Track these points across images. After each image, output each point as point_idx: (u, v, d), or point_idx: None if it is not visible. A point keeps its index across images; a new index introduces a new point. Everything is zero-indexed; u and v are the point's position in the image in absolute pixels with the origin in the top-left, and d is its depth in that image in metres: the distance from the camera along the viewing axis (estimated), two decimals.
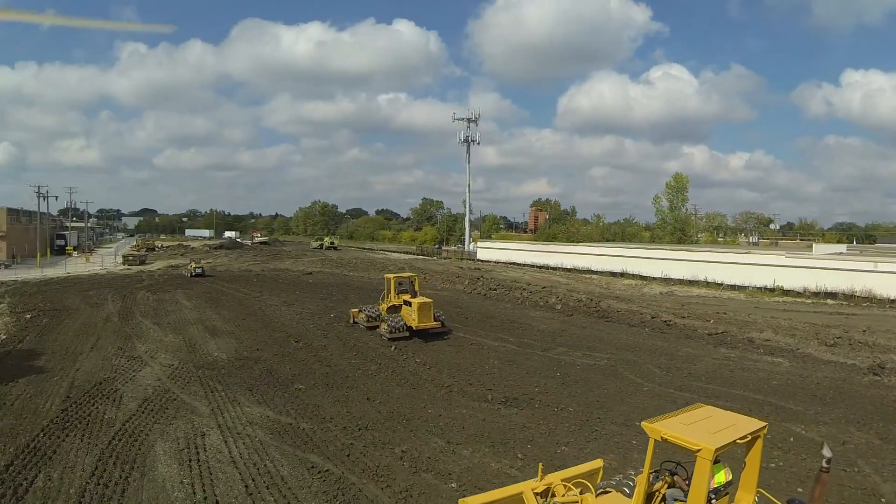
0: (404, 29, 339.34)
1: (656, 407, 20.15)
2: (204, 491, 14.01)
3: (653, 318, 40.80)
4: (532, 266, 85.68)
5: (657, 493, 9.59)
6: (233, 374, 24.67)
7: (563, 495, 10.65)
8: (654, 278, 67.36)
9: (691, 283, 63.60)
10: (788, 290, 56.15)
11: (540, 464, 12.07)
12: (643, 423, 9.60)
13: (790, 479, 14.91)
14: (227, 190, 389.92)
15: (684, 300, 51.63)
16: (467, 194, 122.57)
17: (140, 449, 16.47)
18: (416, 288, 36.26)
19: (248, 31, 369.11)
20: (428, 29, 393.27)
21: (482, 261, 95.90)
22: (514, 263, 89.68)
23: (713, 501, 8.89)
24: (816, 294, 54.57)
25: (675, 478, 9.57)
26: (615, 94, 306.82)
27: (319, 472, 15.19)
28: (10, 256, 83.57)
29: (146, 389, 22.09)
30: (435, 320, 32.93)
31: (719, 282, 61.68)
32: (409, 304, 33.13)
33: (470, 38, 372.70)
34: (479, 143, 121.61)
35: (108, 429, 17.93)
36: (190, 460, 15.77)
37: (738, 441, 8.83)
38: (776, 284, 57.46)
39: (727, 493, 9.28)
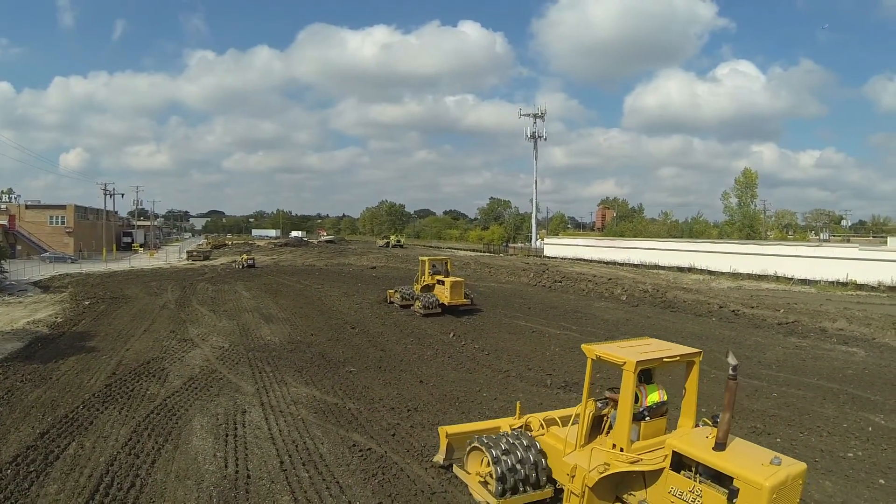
0: (470, 30, 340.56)
1: (720, 393, 18.97)
2: (237, 465, 13.21)
3: (720, 307, 39.68)
4: (599, 262, 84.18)
5: (605, 416, 10.64)
6: (283, 356, 23.98)
7: (536, 430, 11.77)
8: (723, 273, 65.62)
9: (760, 277, 61.74)
10: (862, 285, 53.69)
11: (518, 402, 13.70)
12: (582, 345, 10.76)
13: (870, 469, 13.88)
14: (294, 192, 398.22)
15: (753, 293, 49.63)
16: (534, 190, 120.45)
17: (177, 423, 15.81)
18: (449, 269, 38.77)
19: (314, 36, 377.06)
20: (493, 30, 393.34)
21: (549, 257, 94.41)
22: (580, 259, 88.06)
23: (647, 418, 10.01)
24: (892, 288, 51.82)
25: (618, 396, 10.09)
26: (682, 92, 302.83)
27: (361, 450, 14.30)
28: (77, 251, 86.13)
29: (193, 369, 21.55)
30: (465, 298, 35.42)
31: (789, 276, 59.57)
32: (442, 283, 35.79)
33: (535, 37, 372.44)
34: (546, 140, 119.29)
35: (149, 403, 17.35)
36: (227, 435, 15.03)
37: (664, 360, 9.84)
38: (849, 278, 55.21)
39: (663, 413, 10.34)
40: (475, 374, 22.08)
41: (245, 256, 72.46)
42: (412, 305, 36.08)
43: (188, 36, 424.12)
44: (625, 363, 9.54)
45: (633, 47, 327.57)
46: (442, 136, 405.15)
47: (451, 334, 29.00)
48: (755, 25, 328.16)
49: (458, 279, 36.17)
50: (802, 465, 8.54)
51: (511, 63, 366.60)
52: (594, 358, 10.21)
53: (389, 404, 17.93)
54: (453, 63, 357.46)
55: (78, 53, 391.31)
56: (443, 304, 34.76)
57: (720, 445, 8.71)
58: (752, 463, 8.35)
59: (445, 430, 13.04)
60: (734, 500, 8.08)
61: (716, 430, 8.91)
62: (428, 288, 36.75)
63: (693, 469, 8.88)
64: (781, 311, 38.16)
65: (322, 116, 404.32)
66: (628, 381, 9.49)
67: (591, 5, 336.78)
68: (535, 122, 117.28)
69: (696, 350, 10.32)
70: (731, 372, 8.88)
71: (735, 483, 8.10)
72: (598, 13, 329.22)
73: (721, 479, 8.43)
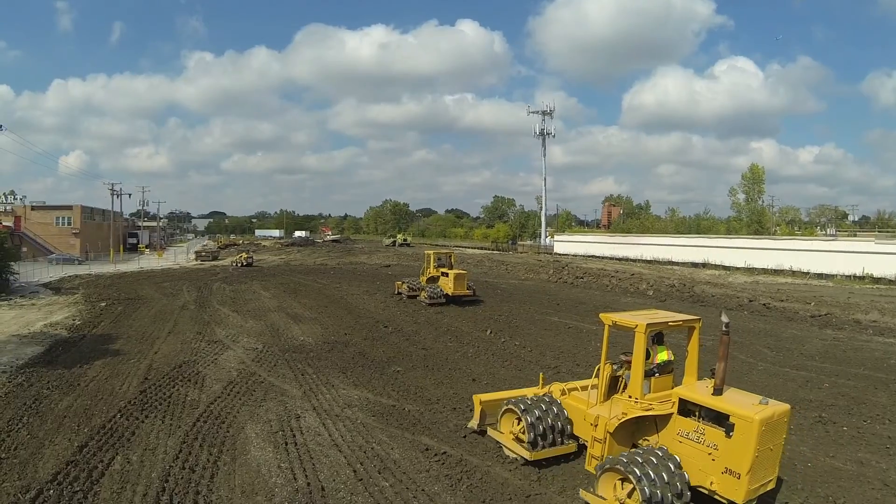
0: (468, 29, 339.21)
1: (776, 385, 19.11)
2: (306, 476, 11.79)
3: (750, 301, 39.80)
4: (611, 258, 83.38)
5: (620, 377, 11.97)
6: (322, 357, 22.62)
7: (558, 395, 13.03)
8: (737, 268, 65.04)
9: (776, 272, 61.14)
10: (879, 278, 53.14)
11: (541, 373, 14.85)
12: (601, 314, 12.19)
13: None
14: (294, 193, 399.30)
15: (779, 287, 48.81)
16: (543, 187, 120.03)
17: (228, 431, 14.35)
18: (453, 262, 40.19)
19: (311, 36, 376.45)
20: (490, 28, 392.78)
21: (559, 254, 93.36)
22: (592, 256, 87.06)
23: (657, 374, 11.47)
24: None
25: (631, 357, 11.42)
26: (680, 90, 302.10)
27: (436, 454, 13.09)
28: (83, 252, 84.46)
29: (230, 372, 20.06)
30: (467, 289, 37.15)
31: (805, 270, 59.09)
32: (446, 274, 37.45)
33: (533, 36, 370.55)
34: (554, 136, 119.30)
35: (192, 410, 15.86)
36: (286, 443, 13.62)
37: (670, 324, 11.46)
38: (865, 272, 54.56)
39: (670, 371, 11.82)
40: (525, 371, 20.99)
41: (244, 255, 72.18)
42: (418, 296, 37.64)
43: (186, 38, 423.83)
44: (637, 326, 11.00)
45: (630, 45, 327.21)
46: (441, 136, 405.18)
47: (489, 331, 28.08)
48: (753, 23, 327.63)
49: (461, 271, 38.18)
50: (786, 406, 9.96)
51: (509, 62, 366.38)
52: (610, 324, 11.66)
53: (449, 404, 16.76)
54: (451, 62, 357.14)
55: (76, 56, 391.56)
56: (447, 294, 36.47)
57: (718, 391, 10.16)
58: (744, 403, 9.83)
59: (479, 397, 14.36)
60: (731, 434, 9.50)
61: (713, 380, 10.30)
62: (433, 280, 38.52)
63: (696, 413, 10.27)
64: (812, 304, 38.21)
65: (320, 117, 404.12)
66: (640, 342, 10.92)
67: (588, 3, 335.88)
68: (543, 120, 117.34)
69: (696, 317, 11.91)
70: (724, 328, 10.12)
71: (731, 419, 9.53)
72: (594, 11, 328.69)
73: (719, 420, 9.80)
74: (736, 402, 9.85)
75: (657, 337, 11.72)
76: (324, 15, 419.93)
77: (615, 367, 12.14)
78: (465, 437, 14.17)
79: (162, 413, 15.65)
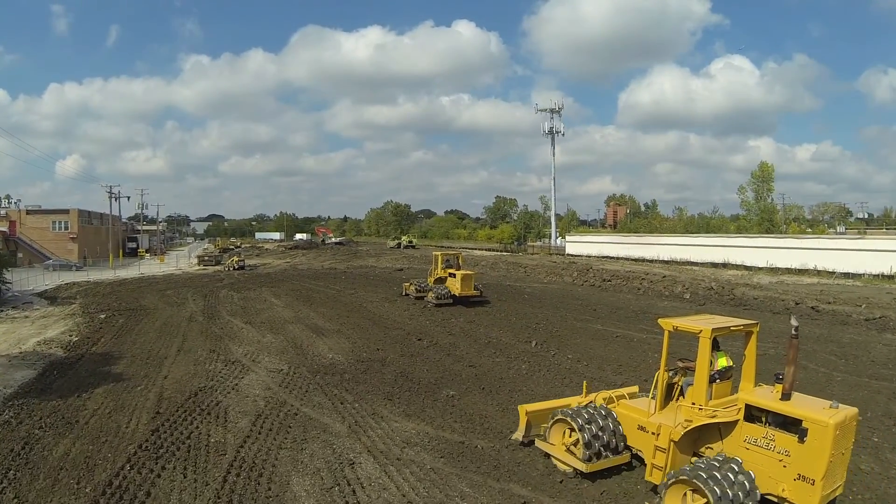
0: (463, 30, 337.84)
1: (864, 398, 17.18)
2: None
3: (797, 304, 37.40)
4: (627, 259, 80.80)
5: (675, 384, 11.81)
6: (359, 379, 19.66)
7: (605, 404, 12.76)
8: (760, 268, 62.30)
9: (800, 271, 58.34)
10: None
11: (584, 381, 14.53)
12: (660, 320, 11.78)
13: None
14: (292, 195, 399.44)
15: (820, 288, 46.05)
16: (552, 186, 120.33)
17: (271, 488, 11.33)
18: (461, 262, 40.57)
19: (307, 38, 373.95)
20: (486, 28, 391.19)
21: (572, 255, 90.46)
22: (606, 257, 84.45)
23: (717, 381, 11.23)
24: None
25: (689, 363, 11.47)
26: (677, 88, 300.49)
27: None
28: (81, 258, 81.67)
29: (256, 402, 17.02)
30: (475, 290, 37.35)
31: (830, 269, 56.28)
32: (453, 275, 37.59)
33: (528, 35, 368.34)
34: (563, 135, 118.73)
35: (219, 458, 12.80)
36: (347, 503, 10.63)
37: (731, 328, 11.35)
38: (894, 271, 51.75)
39: (730, 377, 11.52)
40: (591, 389, 17.94)
41: (235, 259, 71.00)
42: (426, 297, 37.81)
43: (182, 40, 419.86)
44: (701, 331, 10.67)
45: (626, 43, 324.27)
46: (437, 136, 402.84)
47: (534, 343, 25.50)
48: (748, 21, 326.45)
49: (468, 272, 38.25)
50: (855, 410, 9.72)
51: (505, 62, 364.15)
52: (671, 329, 11.34)
53: None
54: (447, 63, 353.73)
55: (72, 60, 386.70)
56: (454, 295, 36.58)
57: (786, 396, 9.85)
58: (816, 407, 9.54)
59: (524, 408, 13.78)
60: (804, 439, 9.16)
61: (778, 386, 9.96)
62: (440, 280, 38.61)
63: (763, 419, 10.01)
64: (863, 306, 35.98)
65: (317, 119, 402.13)
66: (705, 347, 10.60)
67: (583, 2, 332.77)
68: (551, 118, 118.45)
69: (755, 321, 11.55)
70: (793, 332, 9.85)
71: (804, 424, 9.19)
72: (589, 10, 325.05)
73: (786, 425, 9.55)
74: (808, 406, 9.66)
75: (714, 342, 11.11)
76: (319, 17, 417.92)
77: (670, 373, 11.91)
78: (561, 481, 11.77)
79: (182, 462, 12.61)
